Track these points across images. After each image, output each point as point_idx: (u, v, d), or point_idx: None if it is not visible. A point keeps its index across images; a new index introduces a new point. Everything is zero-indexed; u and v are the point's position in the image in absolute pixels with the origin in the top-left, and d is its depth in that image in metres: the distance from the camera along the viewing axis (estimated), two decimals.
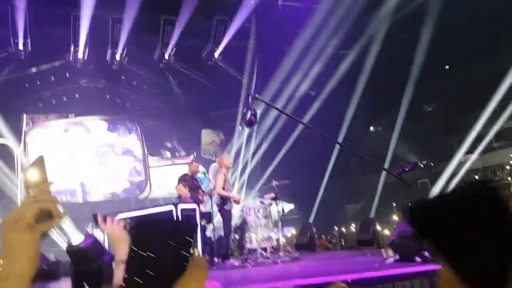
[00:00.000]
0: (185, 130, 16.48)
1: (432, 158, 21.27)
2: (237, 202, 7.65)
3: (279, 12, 15.97)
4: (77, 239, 5.19)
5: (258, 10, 15.27)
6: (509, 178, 18.14)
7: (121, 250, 1.63)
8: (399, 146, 18.21)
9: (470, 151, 17.75)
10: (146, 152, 13.77)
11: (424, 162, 20.92)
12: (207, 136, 15.93)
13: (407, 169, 5.30)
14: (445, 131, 21.27)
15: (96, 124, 15.21)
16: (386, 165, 16.71)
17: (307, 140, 16.00)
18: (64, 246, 7.62)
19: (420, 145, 20.06)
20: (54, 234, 10.79)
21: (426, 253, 5.09)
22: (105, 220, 1.71)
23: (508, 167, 18.69)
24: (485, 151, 18.38)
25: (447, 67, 17.94)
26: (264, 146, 16.93)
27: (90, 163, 13.73)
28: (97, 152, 14.03)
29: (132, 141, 14.21)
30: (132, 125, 14.81)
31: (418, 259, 5.20)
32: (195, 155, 14.92)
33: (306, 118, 15.88)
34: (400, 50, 16.64)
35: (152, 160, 13.91)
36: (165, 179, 13.13)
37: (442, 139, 21.27)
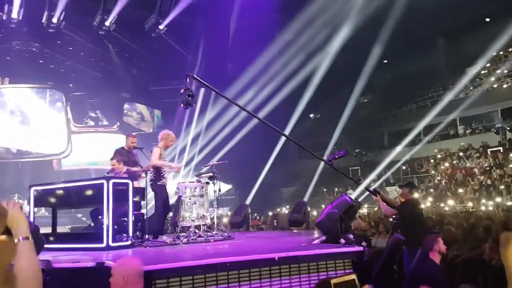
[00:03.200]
0: (113, 101, 16.32)
1: (364, 147, 22.28)
2: (176, 169, 7.55)
3: None
4: None
5: None
6: (433, 171, 19.49)
7: (20, 229, 1.67)
8: (336, 134, 18.86)
9: (399, 142, 18.69)
10: (69, 118, 15.01)
11: (357, 150, 21.89)
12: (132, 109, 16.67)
13: (337, 156, 5.50)
14: (377, 122, 22.29)
15: (24, 91, 15.20)
16: (326, 151, 17.26)
17: (251, 124, 16.16)
18: None
19: (354, 134, 20.88)
20: None
21: (350, 236, 5.36)
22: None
23: (432, 160, 20.03)
24: (413, 143, 19.46)
25: (385, 61, 18.70)
26: (206, 128, 16.88)
27: (19, 128, 14.47)
28: (22, 116, 14.76)
29: (57, 108, 15.22)
30: (58, 94, 15.22)
31: (342, 241, 5.46)
32: (118, 124, 15.58)
33: (251, 104, 16.01)
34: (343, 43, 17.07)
35: (75, 127, 15.05)
36: (88, 144, 14.73)
37: (374, 129, 22.31)
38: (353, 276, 4.44)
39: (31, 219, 6.43)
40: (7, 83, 15.31)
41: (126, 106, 16.36)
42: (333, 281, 4.34)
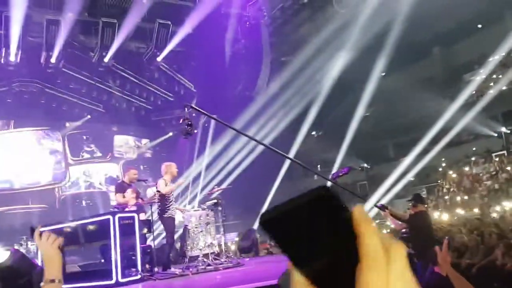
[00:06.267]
0: (105, 135, 17.74)
1: (370, 161, 22.20)
2: (180, 209, 7.54)
3: (224, 21, 16.08)
4: (2, 255, 4.91)
5: (204, 18, 15.23)
6: (440, 180, 19.33)
7: (52, 268, 1.57)
8: (341, 150, 18.81)
9: (405, 154, 18.62)
10: (67, 154, 16.88)
11: (363, 165, 21.80)
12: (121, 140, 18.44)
13: (340, 174, 5.49)
14: (381, 135, 22.26)
15: (27, 135, 16.56)
16: (332, 168, 17.19)
17: (254, 146, 16.20)
18: None
19: (358, 148, 20.84)
20: None
21: None
22: (40, 234, 1.63)
23: (440, 169, 19.90)
24: (420, 153, 19.35)
25: (383, 73, 18.81)
26: (209, 154, 16.94)
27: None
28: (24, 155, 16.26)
29: (56, 147, 16.91)
30: (56, 134, 16.87)
31: None
32: (110, 155, 17.44)
33: (252, 127, 16.08)
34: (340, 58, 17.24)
35: (72, 160, 16.99)
36: (83, 172, 17.10)
37: (379, 142, 22.26)
38: None
39: (39, 261, 6.44)
40: (12, 126, 15.81)
41: (116, 138, 18.10)
42: None
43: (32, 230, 1.74)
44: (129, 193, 6.93)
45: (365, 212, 0.46)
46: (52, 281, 1.55)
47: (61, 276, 1.58)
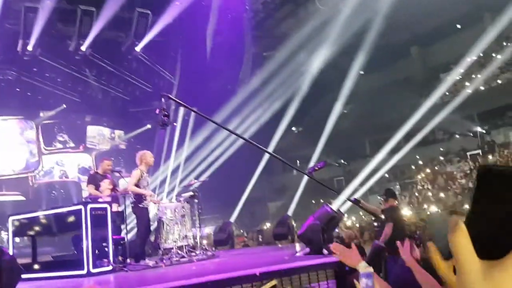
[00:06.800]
0: (78, 125, 17.58)
1: (347, 157, 22.49)
2: (155, 201, 7.48)
3: (205, 13, 15.96)
4: None
5: (184, 8, 15.07)
6: (415, 178, 19.72)
7: None
8: (318, 146, 18.96)
9: (380, 151, 18.85)
10: (40, 143, 16.81)
11: (341, 161, 22.07)
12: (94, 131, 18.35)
13: (317, 168, 5.56)
14: (359, 132, 22.54)
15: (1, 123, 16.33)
16: (309, 164, 17.31)
17: (232, 140, 16.18)
18: None
19: (336, 144, 21.05)
20: None
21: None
22: None
23: (413, 166, 20.30)
24: (394, 151, 19.65)
25: (361, 72, 19.01)
26: (188, 147, 16.85)
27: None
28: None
29: (30, 135, 16.80)
30: (30, 123, 16.71)
31: (325, 251, 5.48)
32: (83, 146, 17.43)
33: (232, 121, 16.05)
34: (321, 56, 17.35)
35: (45, 150, 16.95)
36: (56, 162, 17.12)
37: (356, 139, 22.55)
38: (274, 282, 4.37)
39: (10, 249, 6.33)
40: None
41: (89, 128, 17.98)
42: None
43: None
44: (106, 184, 6.86)
45: None
46: None
47: None
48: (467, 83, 20.07)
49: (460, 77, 20.67)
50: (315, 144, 18.71)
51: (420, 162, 20.21)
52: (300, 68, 17.40)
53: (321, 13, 16.13)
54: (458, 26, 21.04)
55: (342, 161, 22.04)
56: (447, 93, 20.47)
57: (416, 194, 18.12)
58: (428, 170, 19.34)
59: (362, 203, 6.80)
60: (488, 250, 0.56)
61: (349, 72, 17.33)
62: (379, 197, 7.40)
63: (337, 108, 18.32)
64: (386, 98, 21.29)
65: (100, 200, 6.64)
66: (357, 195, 14.09)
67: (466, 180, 16.88)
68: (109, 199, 6.74)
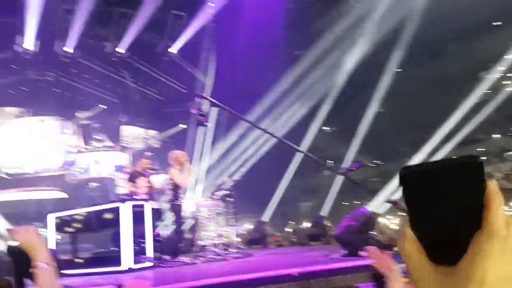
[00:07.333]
0: (114, 125, 17.84)
1: (382, 157, 22.05)
2: (191, 200, 7.59)
3: (239, 13, 16.03)
4: None
5: (219, 9, 15.19)
6: None
7: (39, 256, 1.64)
8: (352, 145, 18.71)
9: (418, 151, 18.46)
10: (79, 142, 17.20)
11: (376, 161, 21.66)
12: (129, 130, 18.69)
13: (352, 168, 5.46)
14: (395, 132, 22.06)
15: (41, 123, 16.70)
16: (343, 164, 17.13)
17: (265, 140, 16.19)
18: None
19: (371, 144, 20.70)
20: None
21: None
22: (15, 232, 1.70)
23: None
24: (432, 151, 19.17)
25: (398, 70, 18.61)
26: (222, 146, 16.97)
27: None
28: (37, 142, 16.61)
29: (69, 135, 17.17)
30: (68, 123, 17.05)
31: (362, 253, 5.39)
32: (119, 145, 17.72)
33: (265, 120, 16.05)
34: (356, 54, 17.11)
35: (84, 149, 17.39)
36: (93, 160, 17.48)
37: (392, 139, 22.07)
38: None
39: (52, 246, 6.54)
40: (27, 114, 16.01)
41: (123, 128, 18.29)
42: None
43: (11, 233, 1.80)
44: (143, 182, 7.00)
45: (497, 186, 0.50)
46: (45, 264, 1.61)
47: (50, 259, 1.64)
48: (507, 82, 19.32)
49: (501, 75, 19.93)
50: (349, 144, 18.46)
51: None
52: (334, 66, 17.20)
53: (356, 10, 15.89)
54: (498, 23, 20.27)
55: (377, 161, 21.64)
56: (486, 92, 19.79)
57: None
58: None
59: (399, 204, 6.64)
60: (437, 256, 0.49)
61: (385, 70, 17.00)
62: None
63: (373, 107, 18.00)
64: (423, 96, 20.77)
65: (137, 197, 6.78)
66: (394, 197, 13.79)
67: (505, 181, 16.27)
68: (146, 196, 6.87)
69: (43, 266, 1.61)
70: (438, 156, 18.15)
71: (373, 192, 7.62)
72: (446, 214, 0.48)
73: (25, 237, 1.68)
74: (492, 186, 0.50)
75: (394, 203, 6.65)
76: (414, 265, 0.50)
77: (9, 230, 1.78)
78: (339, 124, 22.88)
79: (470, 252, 0.47)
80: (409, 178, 0.49)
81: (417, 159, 17.63)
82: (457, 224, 0.48)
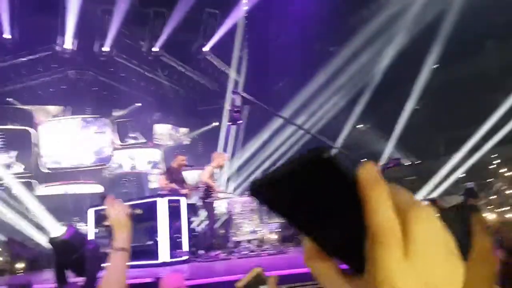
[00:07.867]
0: (148, 123, 18.13)
1: (419, 155, 21.48)
2: (224, 196, 7.65)
3: (271, 10, 16.01)
4: (58, 230, 5.16)
5: (252, 7, 15.22)
6: (493, 178, 18.42)
7: (120, 236, 1.53)
8: (386, 143, 18.37)
9: (457, 149, 17.93)
10: (115, 139, 17.75)
11: (413, 159, 21.13)
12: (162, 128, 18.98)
13: (390, 166, 5.35)
14: (432, 129, 21.46)
15: (79, 121, 17.28)
16: (379, 162, 16.82)
17: (298, 137, 16.11)
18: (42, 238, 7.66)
19: (408, 142, 20.25)
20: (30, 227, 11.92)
21: None
22: (111, 204, 1.60)
23: (492, 166, 18.95)
24: (471, 150, 18.57)
25: (435, 66, 18.10)
26: (255, 143, 16.99)
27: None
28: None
29: (105, 132, 17.65)
30: (105, 120, 17.51)
31: None
32: (152, 142, 18.11)
33: (299, 117, 15.96)
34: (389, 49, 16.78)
35: (119, 145, 17.91)
36: (127, 156, 18.07)
37: (429, 137, 21.48)
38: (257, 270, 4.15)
39: (92, 238, 6.73)
40: (67, 113, 16.56)
41: (156, 126, 18.68)
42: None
43: (103, 198, 1.73)
44: (177, 178, 7.10)
45: (373, 172, 0.38)
46: (121, 249, 1.51)
47: (129, 246, 1.53)
48: None
49: None
50: (385, 142, 18.12)
51: (497, 161, 18.87)
52: (369, 63, 16.91)
53: (392, 5, 15.55)
54: None
55: (414, 159, 21.12)
56: None
57: (494, 195, 16.94)
58: (506, 170, 18.01)
59: (439, 203, 6.47)
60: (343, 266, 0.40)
61: (422, 66, 16.57)
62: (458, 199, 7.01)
63: (409, 104, 17.59)
64: (461, 93, 20.10)
65: (172, 192, 6.88)
66: (432, 195, 13.46)
67: None
68: (181, 192, 6.97)
69: (119, 249, 1.51)
70: (478, 156, 17.55)
71: (410, 191, 7.40)
72: (323, 222, 0.38)
73: (118, 213, 1.57)
74: (363, 173, 0.38)
75: (433, 201, 6.49)
76: (321, 281, 0.41)
77: (104, 198, 1.68)
78: (375, 121, 22.48)
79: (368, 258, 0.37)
80: (262, 192, 0.38)
81: (456, 157, 17.09)
82: (341, 232, 0.38)
